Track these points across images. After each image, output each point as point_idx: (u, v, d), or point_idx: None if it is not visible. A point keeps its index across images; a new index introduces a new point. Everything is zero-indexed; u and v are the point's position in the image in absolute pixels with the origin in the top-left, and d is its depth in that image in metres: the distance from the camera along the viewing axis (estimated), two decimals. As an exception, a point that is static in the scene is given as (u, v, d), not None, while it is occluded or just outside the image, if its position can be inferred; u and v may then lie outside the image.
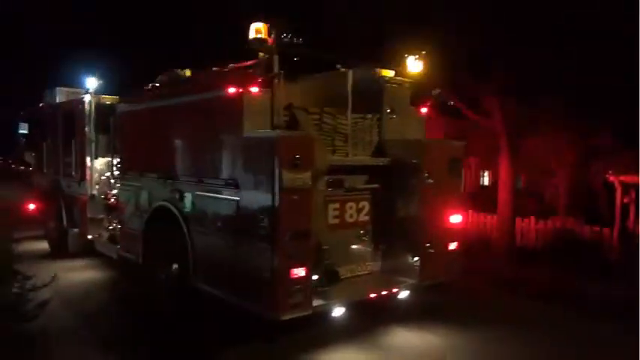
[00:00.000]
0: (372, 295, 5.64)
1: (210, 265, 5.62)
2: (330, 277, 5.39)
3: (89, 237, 8.82)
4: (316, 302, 5.06)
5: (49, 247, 10.29)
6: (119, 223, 7.90)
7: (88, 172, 8.87)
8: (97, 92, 8.95)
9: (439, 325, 6.34)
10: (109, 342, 5.65)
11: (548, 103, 10.15)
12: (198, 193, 5.83)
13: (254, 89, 5.12)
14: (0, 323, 3.66)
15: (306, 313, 4.94)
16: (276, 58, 5.24)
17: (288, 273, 4.76)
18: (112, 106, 8.84)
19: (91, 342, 5.61)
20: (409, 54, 6.61)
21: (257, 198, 4.92)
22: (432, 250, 6.13)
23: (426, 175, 6.02)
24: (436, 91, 6.74)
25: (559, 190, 14.13)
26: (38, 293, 4.54)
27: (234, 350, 5.54)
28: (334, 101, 6.13)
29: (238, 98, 5.13)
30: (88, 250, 9.28)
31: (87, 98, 8.85)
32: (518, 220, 11.41)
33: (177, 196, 6.17)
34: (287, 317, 4.80)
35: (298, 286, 4.83)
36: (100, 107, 8.89)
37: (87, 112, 8.83)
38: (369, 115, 6.33)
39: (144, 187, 6.98)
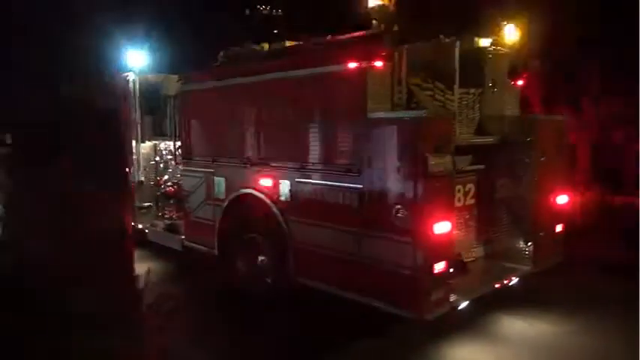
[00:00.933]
0: (497, 286, 5.23)
1: (321, 260, 5.13)
2: (460, 268, 4.95)
3: (139, 226, 8.22)
4: (451, 297, 4.63)
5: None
6: (182, 211, 7.32)
7: (134, 157, 8.22)
8: (141, 71, 8.24)
9: (547, 313, 5.93)
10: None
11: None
12: (299, 180, 5.30)
13: (378, 63, 4.56)
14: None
15: (445, 310, 4.52)
16: (395, 28, 4.69)
17: (432, 268, 4.30)
18: (157, 85, 8.20)
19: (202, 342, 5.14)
20: (506, 20, 6.10)
21: (391, 186, 4.41)
22: (542, 234, 5.76)
23: (541, 153, 5.59)
24: (535, 62, 6.24)
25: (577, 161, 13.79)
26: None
27: (347, 346, 5.11)
28: (436, 75, 5.60)
29: (361, 74, 4.57)
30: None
31: (130, 77, 8.13)
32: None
33: (269, 183, 5.62)
34: (431, 317, 4.38)
35: (439, 282, 4.40)
36: (144, 87, 8.19)
37: (131, 92, 8.13)
38: (472, 90, 5.82)
39: (218, 173, 6.40)
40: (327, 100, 4.93)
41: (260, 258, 6.05)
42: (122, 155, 3.12)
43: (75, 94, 2.46)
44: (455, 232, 4.75)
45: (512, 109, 6.28)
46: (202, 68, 6.90)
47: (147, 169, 8.34)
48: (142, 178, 8.27)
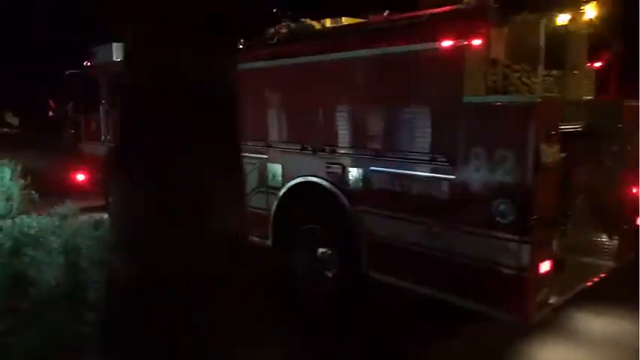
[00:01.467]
0: (589, 284, 4.87)
1: (400, 255, 4.75)
2: (559, 266, 4.56)
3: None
4: (552, 299, 4.27)
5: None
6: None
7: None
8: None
9: (616, 308, 5.61)
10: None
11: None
12: (374, 168, 4.89)
13: (477, 42, 4.12)
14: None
15: (546, 313, 4.17)
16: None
17: (538, 268, 3.93)
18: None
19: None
20: (588, -3, 5.63)
21: (493, 178, 4.00)
22: (626, 227, 5.40)
23: (629, 142, 5.20)
24: (617, 44, 5.78)
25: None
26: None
27: (431, 346, 4.76)
28: (519, 55, 5.15)
29: (457, 53, 4.13)
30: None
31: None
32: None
33: (336, 171, 5.22)
34: (535, 320, 4.02)
35: (544, 283, 4.03)
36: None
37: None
38: (554, 72, 5.39)
39: (273, 159, 5.99)
40: (413, 82, 4.48)
41: (320, 250, 5.69)
42: (239, 144, 2.69)
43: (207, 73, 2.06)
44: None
45: (588, 93, 5.88)
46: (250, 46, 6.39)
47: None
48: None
